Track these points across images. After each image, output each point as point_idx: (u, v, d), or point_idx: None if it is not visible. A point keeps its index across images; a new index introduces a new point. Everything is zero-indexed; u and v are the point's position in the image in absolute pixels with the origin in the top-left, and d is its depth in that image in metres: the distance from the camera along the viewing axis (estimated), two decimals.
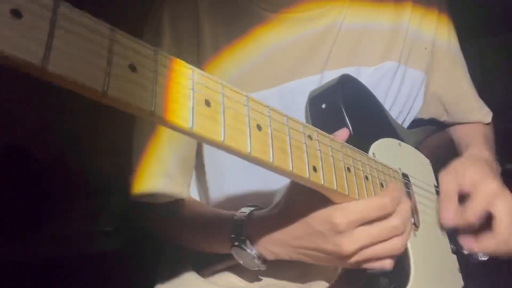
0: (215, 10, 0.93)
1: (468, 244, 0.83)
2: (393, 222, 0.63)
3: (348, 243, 0.62)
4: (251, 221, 0.74)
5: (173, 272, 0.97)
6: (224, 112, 0.43)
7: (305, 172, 0.55)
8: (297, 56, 0.93)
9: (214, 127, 0.41)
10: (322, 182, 0.58)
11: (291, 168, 0.51)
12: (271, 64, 0.92)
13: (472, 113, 1.10)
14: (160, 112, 0.35)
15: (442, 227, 0.88)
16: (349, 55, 0.95)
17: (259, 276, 0.92)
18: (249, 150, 0.45)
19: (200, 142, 0.90)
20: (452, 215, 0.81)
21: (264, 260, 0.74)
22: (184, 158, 0.92)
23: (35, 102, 1.61)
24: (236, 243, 0.73)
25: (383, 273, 0.80)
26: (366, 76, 0.95)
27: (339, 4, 0.95)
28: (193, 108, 0.38)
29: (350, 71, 0.93)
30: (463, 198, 0.84)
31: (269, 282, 0.92)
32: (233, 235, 0.73)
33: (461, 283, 0.88)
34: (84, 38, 0.31)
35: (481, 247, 0.82)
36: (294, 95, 0.90)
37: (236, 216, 0.75)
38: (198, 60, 0.92)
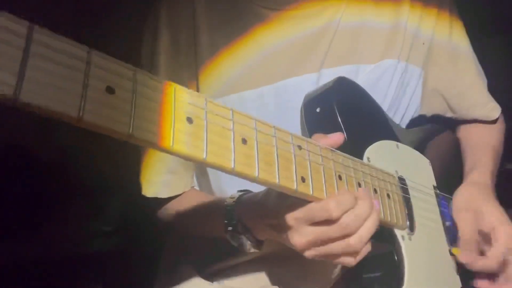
0: (213, 9, 0.93)
1: (484, 285, 0.85)
2: (341, 222, 0.63)
3: (296, 238, 0.65)
4: (241, 206, 0.76)
5: (172, 272, 0.98)
6: (206, 128, 0.43)
7: (293, 184, 0.55)
8: (295, 53, 0.92)
9: (196, 144, 0.41)
10: (311, 193, 0.58)
11: (277, 181, 0.51)
12: (269, 61, 0.92)
13: (476, 108, 1.08)
14: (138, 134, 0.35)
15: (440, 229, 0.90)
16: (348, 53, 0.94)
17: (259, 278, 0.93)
18: (232, 166, 0.45)
19: None
20: (473, 259, 0.84)
21: (258, 242, 0.76)
22: None
23: None
24: (230, 228, 0.76)
25: (377, 278, 0.81)
26: (365, 74, 0.95)
27: (337, 2, 0.94)
28: (174, 126, 0.38)
29: (349, 69, 0.93)
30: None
31: (268, 283, 0.93)
32: (226, 221, 0.76)
33: (459, 285, 0.88)
34: (59, 63, 0.31)
35: None
36: (291, 92, 0.90)
37: (226, 202, 0.78)
38: (196, 58, 0.93)
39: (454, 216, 0.91)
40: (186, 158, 0.41)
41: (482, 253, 0.87)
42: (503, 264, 0.84)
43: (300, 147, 0.59)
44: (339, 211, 0.62)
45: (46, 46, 0.30)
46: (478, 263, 0.83)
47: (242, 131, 0.48)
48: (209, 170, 0.97)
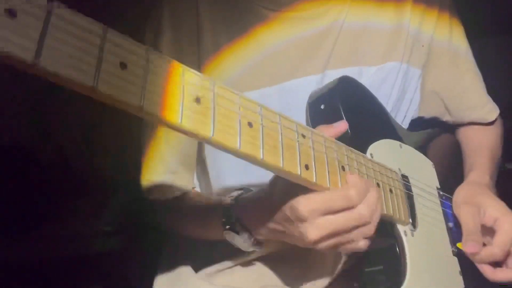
0: (216, 9, 0.94)
1: (487, 272, 0.85)
2: (359, 211, 0.64)
3: (311, 231, 0.63)
4: (239, 204, 0.76)
5: (172, 272, 0.98)
6: (214, 108, 0.44)
7: (297, 170, 0.55)
8: (298, 55, 0.93)
9: (203, 122, 0.42)
10: (314, 180, 0.59)
11: (281, 165, 0.52)
12: (272, 62, 0.92)
13: (474, 110, 1.09)
14: (149, 107, 0.36)
15: (443, 230, 0.90)
16: (351, 55, 0.95)
17: (260, 277, 0.93)
18: (238, 146, 0.46)
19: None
20: (478, 249, 0.83)
21: (256, 241, 0.76)
22: (186, 155, 0.94)
23: (35, 102, 1.61)
24: (227, 227, 0.75)
25: (380, 272, 0.81)
26: (369, 76, 0.95)
27: (340, 3, 0.95)
28: (182, 103, 0.39)
29: (352, 70, 0.94)
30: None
31: (268, 283, 0.93)
32: (224, 219, 0.76)
33: (462, 285, 0.88)
34: (76, 36, 0.32)
35: (497, 277, 0.84)
36: (295, 94, 0.91)
37: (225, 201, 0.78)
38: (199, 58, 0.93)
39: (455, 212, 0.91)
40: (193, 135, 0.42)
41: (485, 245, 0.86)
42: (507, 254, 0.84)
43: (304, 136, 0.59)
44: (359, 200, 0.64)
45: (65, 20, 0.32)
46: (483, 253, 0.82)
47: (248, 115, 0.49)
48: (210, 168, 0.97)
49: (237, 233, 0.75)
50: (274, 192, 0.67)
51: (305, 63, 0.93)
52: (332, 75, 0.90)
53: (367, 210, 0.64)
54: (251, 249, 0.77)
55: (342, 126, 0.72)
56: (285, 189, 0.64)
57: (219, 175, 0.95)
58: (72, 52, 0.32)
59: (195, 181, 1.01)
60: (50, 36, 0.31)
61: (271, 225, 0.69)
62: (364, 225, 0.65)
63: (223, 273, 0.95)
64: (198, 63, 0.93)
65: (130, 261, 1.55)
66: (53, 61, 0.30)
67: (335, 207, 0.62)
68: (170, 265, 1.01)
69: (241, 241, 0.76)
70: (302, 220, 0.63)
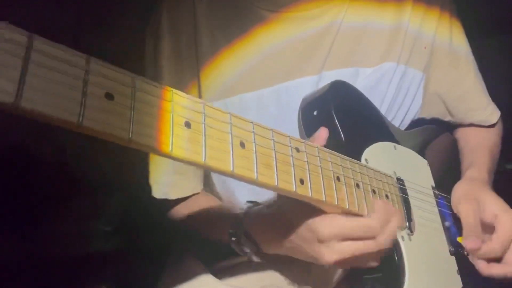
0: (213, 10, 0.94)
1: (482, 267, 0.85)
2: (380, 241, 0.66)
3: (329, 254, 0.64)
4: (248, 218, 0.77)
5: (179, 267, 0.98)
6: (205, 132, 0.43)
7: (291, 186, 0.55)
8: (296, 55, 0.92)
9: (194, 150, 0.41)
10: (310, 194, 0.58)
11: (276, 183, 0.52)
12: (269, 64, 0.92)
13: (475, 112, 1.08)
14: (137, 139, 0.36)
15: (439, 230, 0.90)
16: (348, 55, 0.94)
17: (261, 277, 0.93)
18: (231, 169, 0.45)
19: None
20: (479, 245, 0.83)
21: (259, 253, 0.77)
22: None
23: None
24: (234, 238, 0.77)
25: (378, 279, 0.81)
26: (365, 77, 0.95)
27: (339, 3, 0.94)
28: (172, 131, 0.39)
29: (349, 71, 0.93)
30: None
31: (269, 283, 0.93)
32: (231, 230, 0.77)
33: (460, 285, 0.88)
34: (58, 71, 0.32)
35: (492, 271, 0.84)
36: (292, 94, 0.90)
37: (234, 212, 0.79)
38: (197, 59, 0.93)
39: (454, 208, 0.91)
40: (186, 162, 0.42)
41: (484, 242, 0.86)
42: (505, 250, 0.83)
43: (298, 150, 0.59)
44: (381, 230, 0.66)
45: (46, 55, 0.31)
46: (483, 249, 0.82)
47: (240, 134, 0.48)
48: (215, 177, 0.97)
49: (242, 245, 0.77)
50: (286, 210, 0.68)
51: (302, 64, 0.93)
52: (329, 76, 0.90)
53: (387, 240, 0.66)
54: (255, 260, 0.78)
55: (322, 133, 0.72)
56: (299, 207, 0.65)
57: (223, 178, 0.95)
58: (55, 88, 0.31)
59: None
60: (31, 74, 0.30)
61: (285, 242, 0.70)
62: (380, 250, 0.67)
63: (226, 271, 0.95)
64: (196, 66, 0.94)
65: (130, 261, 1.55)
66: (35, 101, 0.30)
67: (356, 235, 0.64)
68: (178, 260, 1.01)
69: (245, 251, 0.77)
70: (321, 241, 0.64)
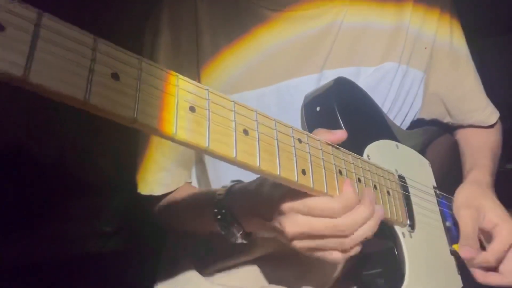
0: (214, 8, 0.94)
1: (478, 275, 0.86)
2: (338, 222, 0.63)
3: (289, 225, 0.64)
4: (231, 195, 0.76)
5: (173, 271, 0.98)
6: (209, 117, 0.43)
7: (293, 176, 0.55)
8: (297, 54, 0.93)
9: (198, 133, 0.41)
10: (312, 185, 0.58)
11: (278, 172, 0.52)
12: (270, 62, 0.92)
13: (475, 113, 1.09)
14: (143, 119, 0.36)
15: (440, 229, 0.90)
16: (349, 55, 0.94)
17: (259, 277, 0.93)
18: (234, 155, 0.45)
19: None
20: (474, 254, 0.84)
21: (245, 233, 0.76)
22: (181, 153, 0.95)
23: (35, 102, 1.61)
24: (219, 217, 0.76)
25: (378, 275, 0.81)
26: (366, 76, 0.95)
27: (339, 3, 0.94)
28: (177, 114, 0.39)
29: (350, 70, 0.93)
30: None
31: (267, 283, 0.93)
32: (215, 209, 0.76)
33: (460, 284, 0.88)
34: (66, 48, 0.32)
35: (488, 280, 0.85)
36: (293, 93, 0.90)
37: (217, 192, 0.78)
38: (198, 58, 0.93)
39: (455, 213, 0.91)
40: (189, 146, 0.42)
41: (482, 250, 0.87)
42: (500, 261, 0.85)
43: (300, 141, 0.59)
44: (342, 213, 0.63)
45: (55, 31, 0.31)
46: (477, 259, 0.83)
47: (243, 121, 0.49)
48: (209, 169, 0.97)
49: (229, 223, 0.75)
50: (264, 184, 0.68)
51: (303, 63, 0.93)
52: (329, 75, 0.90)
53: (346, 224, 0.63)
54: (240, 241, 0.77)
55: (341, 134, 0.71)
56: (274, 183, 0.65)
57: (219, 176, 0.95)
58: (62, 64, 0.31)
59: (195, 183, 1.01)
60: (39, 49, 0.30)
61: (258, 216, 0.70)
62: (340, 237, 0.64)
63: (224, 273, 0.95)
64: (196, 64, 0.93)
65: (130, 261, 1.55)
66: (43, 75, 0.30)
67: (315, 213, 0.63)
68: (171, 264, 1.01)
69: (231, 232, 0.76)
70: (281, 213, 0.64)
